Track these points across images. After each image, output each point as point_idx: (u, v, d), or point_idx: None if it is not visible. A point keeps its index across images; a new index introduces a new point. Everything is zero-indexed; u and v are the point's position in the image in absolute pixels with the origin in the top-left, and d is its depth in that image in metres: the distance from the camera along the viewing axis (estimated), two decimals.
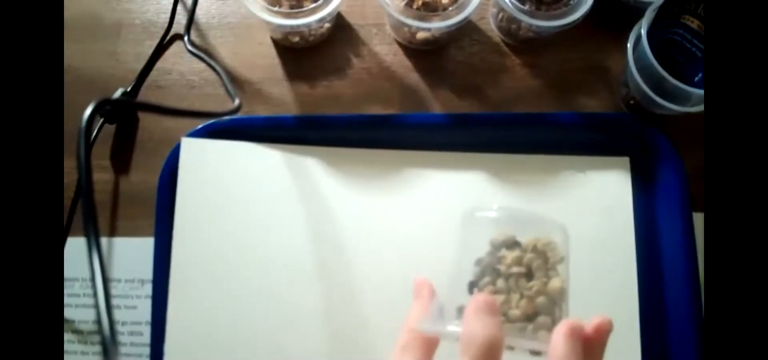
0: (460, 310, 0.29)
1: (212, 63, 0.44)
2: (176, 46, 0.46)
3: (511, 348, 0.27)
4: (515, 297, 0.29)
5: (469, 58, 0.45)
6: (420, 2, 0.41)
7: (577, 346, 0.26)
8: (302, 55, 0.45)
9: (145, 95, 0.44)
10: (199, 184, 0.40)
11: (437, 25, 0.39)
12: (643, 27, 0.37)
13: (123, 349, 0.40)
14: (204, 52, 0.45)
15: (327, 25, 0.43)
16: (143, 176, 0.43)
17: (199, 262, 0.39)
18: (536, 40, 0.45)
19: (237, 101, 0.39)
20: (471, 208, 0.33)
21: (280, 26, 0.40)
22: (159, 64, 0.45)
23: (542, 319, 0.28)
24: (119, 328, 0.40)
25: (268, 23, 0.40)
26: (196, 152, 0.40)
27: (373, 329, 0.38)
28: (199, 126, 0.41)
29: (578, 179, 0.41)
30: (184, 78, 0.45)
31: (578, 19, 0.39)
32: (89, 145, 0.23)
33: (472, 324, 0.26)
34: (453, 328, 0.28)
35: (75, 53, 0.45)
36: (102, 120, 0.43)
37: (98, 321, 0.19)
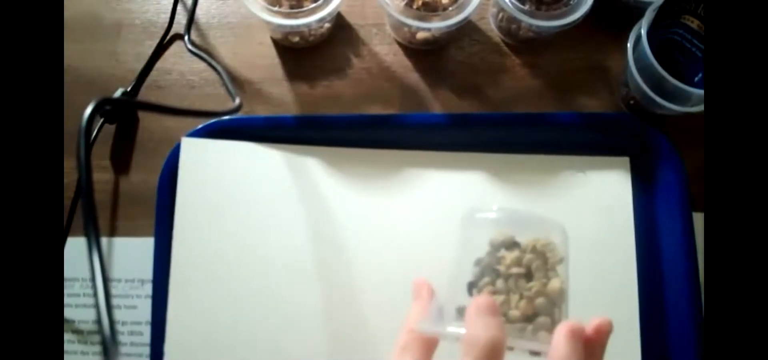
0: (460, 311, 0.29)
1: (212, 63, 0.44)
2: (176, 46, 0.46)
3: (511, 348, 0.27)
4: (515, 298, 0.29)
5: (469, 58, 0.45)
6: (420, 2, 0.41)
7: (578, 347, 0.26)
8: (302, 55, 0.45)
9: (145, 95, 0.44)
10: (199, 184, 0.40)
11: (437, 25, 0.39)
12: (643, 27, 0.37)
13: (123, 349, 0.40)
14: (204, 52, 0.45)
15: (327, 25, 0.43)
16: (143, 176, 0.43)
17: (199, 262, 0.39)
18: (536, 40, 0.45)
19: (237, 100, 0.39)
20: (471, 209, 0.33)
21: (280, 26, 0.40)
22: (159, 64, 0.45)
23: (542, 319, 0.28)
24: (119, 328, 0.40)
25: (268, 23, 0.40)
26: (196, 152, 0.40)
27: (373, 329, 0.38)
28: (199, 126, 0.41)
29: (578, 179, 0.41)
30: (184, 78, 0.45)
31: (578, 19, 0.39)
32: (89, 145, 0.23)
33: (475, 325, 0.26)
34: (453, 329, 0.28)
35: (75, 53, 0.45)
36: (102, 120, 0.43)
37: (98, 321, 0.19)
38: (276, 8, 0.40)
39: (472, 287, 0.30)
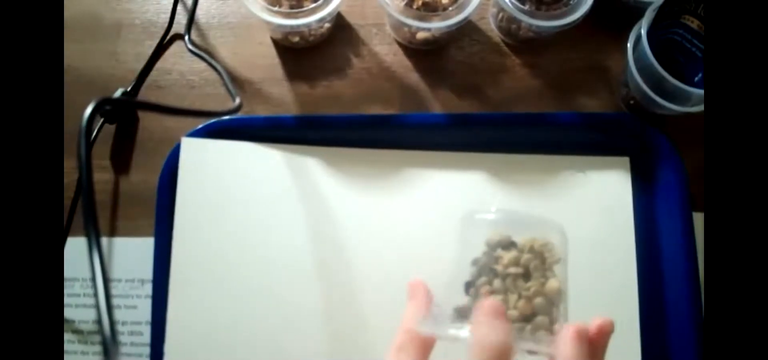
0: (457, 311, 0.29)
1: (212, 63, 0.44)
2: (176, 46, 0.46)
3: None
4: (513, 297, 0.29)
5: (469, 58, 0.45)
6: (420, 2, 0.41)
7: (584, 349, 0.26)
8: (302, 55, 0.45)
9: (145, 95, 0.44)
10: (199, 184, 0.40)
11: (437, 25, 0.39)
12: (643, 27, 0.37)
13: (123, 349, 0.40)
14: (204, 52, 0.45)
15: (327, 25, 0.43)
16: (143, 176, 0.43)
17: (199, 262, 0.39)
18: (536, 40, 0.45)
19: (238, 100, 0.39)
20: (470, 210, 0.33)
21: (280, 26, 0.40)
22: (159, 64, 0.45)
23: (540, 319, 0.28)
24: (119, 328, 0.40)
25: (268, 23, 0.40)
26: (196, 152, 0.40)
27: (373, 329, 0.38)
28: (199, 126, 0.41)
29: (578, 179, 0.41)
30: (184, 78, 0.45)
31: (578, 19, 0.39)
32: (89, 145, 0.23)
33: (482, 328, 0.26)
34: (454, 331, 0.28)
35: (75, 53, 0.45)
36: (102, 120, 0.43)
37: (99, 321, 0.19)
38: (276, 8, 0.40)
39: (469, 287, 0.30)
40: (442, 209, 0.40)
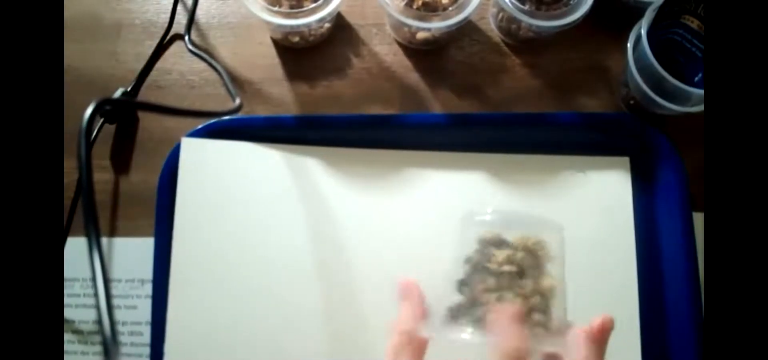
0: (451, 311, 0.29)
1: (212, 63, 0.44)
2: (176, 46, 0.46)
3: None
4: (509, 296, 0.29)
5: (469, 58, 0.45)
6: (420, 2, 0.41)
7: (595, 350, 0.27)
8: (302, 55, 0.45)
9: (145, 95, 0.44)
10: (199, 184, 0.40)
11: (437, 25, 0.39)
12: (643, 27, 0.37)
13: (123, 349, 0.40)
14: (204, 52, 0.45)
15: (327, 25, 0.43)
16: (143, 176, 0.43)
17: (199, 262, 0.39)
18: (536, 40, 0.45)
19: (238, 101, 0.39)
20: (469, 211, 0.33)
21: (280, 26, 0.40)
22: (159, 64, 0.45)
23: (537, 317, 0.28)
24: (119, 328, 0.40)
25: (268, 23, 0.40)
26: (196, 152, 0.40)
27: (373, 329, 0.38)
28: (199, 126, 0.41)
29: (578, 179, 0.41)
30: (184, 78, 0.45)
31: (578, 19, 0.39)
32: (90, 145, 0.23)
33: (501, 333, 0.27)
34: (457, 333, 0.28)
35: (75, 53, 0.45)
36: (102, 120, 0.43)
37: (99, 321, 0.19)
38: (276, 8, 0.40)
39: (462, 285, 0.30)
40: (442, 209, 0.40)
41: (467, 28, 0.45)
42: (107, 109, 0.42)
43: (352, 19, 0.46)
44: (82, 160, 0.22)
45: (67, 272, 0.41)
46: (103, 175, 0.43)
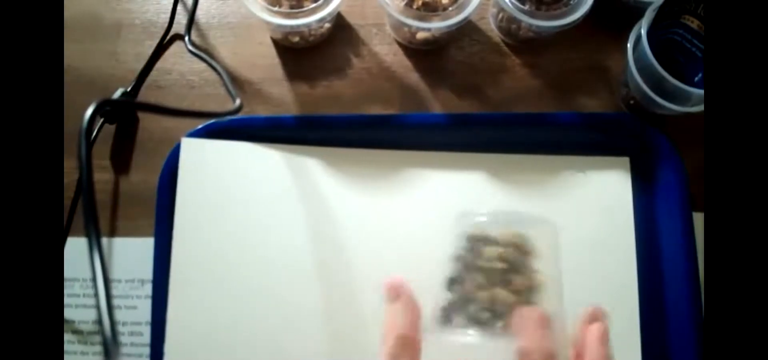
0: (444, 310, 0.29)
1: (213, 63, 0.44)
2: (176, 46, 0.46)
3: None
4: (501, 292, 0.29)
5: (469, 58, 0.45)
6: (420, 2, 0.41)
7: (609, 348, 0.27)
8: (302, 55, 0.45)
9: (145, 95, 0.44)
10: (199, 184, 0.40)
11: (437, 25, 0.39)
12: (643, 27, 0.37)
13: (123, 350, 0.40)
14: (204, 52, 0.45)
15: (327, 25, 0.43)
16: (143, 176, 0.43)
17: (199, 262, 0.39)
18: (536, 40, 0.45)
19: (238, 101, 0.39)
20: (461, 212, 0.32)
21: (280, 26, 0.40)
22: (159, 64, 0.45)
23: None
24: (119, 328, 0.40)
25: (268, 23, 0.40)
26: (196, 152, 0.40)
27: (373, 329, 0.37)
28: (199, 126, 0.41)
29: (578, 179, 0.41)
30: (184, 78, 0.45)
31: (578, 19, 0.39)
32: (90, 146, 0.23)
33: (528, 338, 0.27)
34: (461, 336, 0.28)
35: (75, 53, 0.45)
36: (102, 120, 0.43)
37: (99, 321, 0.19)
38: (276, 8, 0.40)
39: (452, 283, 0.30)
40: (442, 209, 0.39)
41: (467, 28, 0.45)
42: (107, 109, 0.42)
43: (352, 19, 0.46)
44: (83, 160, 0.22)
45: (67, 272, 0.41)
46: (103, 175, 0.43)
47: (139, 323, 0.40)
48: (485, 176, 0.41)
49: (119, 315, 0.41)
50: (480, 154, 0.41)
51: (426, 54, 0.45)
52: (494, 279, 0.29)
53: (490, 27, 0.46)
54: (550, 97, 0.44)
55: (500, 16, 0.44)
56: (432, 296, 0.31)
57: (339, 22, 0.46)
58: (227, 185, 0.40)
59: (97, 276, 0.20)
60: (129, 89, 0.44)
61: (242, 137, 0.41)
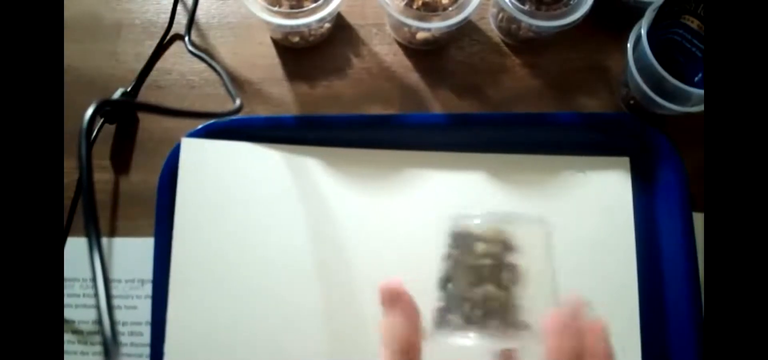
0: (440, 311, 0.29)
1: (213, 63, 0.44)
2: (176, 46, 0.46)
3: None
4: (492, 289, 0.29)
5: (469, 58, 0.45)
6: (420, 2, 0.41)
7: (610, 345, 0.27)
8: (302, 55, 0.45)
9: (145, 95, 0.44)
10: (199, 184, 0.40)
11: (437, 25, 0.39)
12: (643, 27, 0.37)
13: (123, 350, 0.40)
14: (204, 52, 0.45)
15: (327, 25, 0.43)
16: (143, 176, 0.43)
17: (199, 262, 0.39)
18: (536, 40, 0.45)
19: (238, 102, 0.39)
20: (453, 213, 0.32)
21: (280, 26, 0.40)
22: (159, 64, 0.45)
23: (517, 309, 0.28)
24: (119, 328, 0.40)
25: (268, 23, 0.40)
26: (196, 152, 0.40)
27: (373, 329, 0.37)
28: (199, 126, 0.41)
29: (578, 179, 0.41)
30: (184, 78, 0.45)
31: (578, 19, 0.39)
32: (90, 146, 0.23)
33: (557, 338, 0.27)
34: (462, 340, 0.28)
35: (75, 53, 0.45)
36: (102, 120, 0.43)
37: (99, 321, 0.19)
38: (276, 8, 0.40)
39: (446, 283, 0.30)
40: (442, 209, 0.39)
41: (467, 28, 0.45)
42: (107, 109, 0.42)
43: (352, 19, 0.46)
44: (83, 160, 0.22)
45: (67, 272, 0.41)
46: (103, 175, 0.43)
47: (139, 323, 0.40)
48: (485, 176, 0.41)
49: (119, 315, 0.41)
50: (480, 154, 0.41)
51: (426, 54, 0.45)
52: (483, 276, 0.29)
53: (490, 27, 0.46)
54: (550, 97, 0.44)
55: (500, 16, 0.44)
56: (432, 297, 0.31)
57: (339, 22, 0.46)
58: (227, 185, 0.40)
59: (97, 276, 0.20)
60: (129, 89, 0.44)
61: (242, 137, 0.41)
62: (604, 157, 0.41)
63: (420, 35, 0.43)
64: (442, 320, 0.29)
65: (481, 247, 0.29)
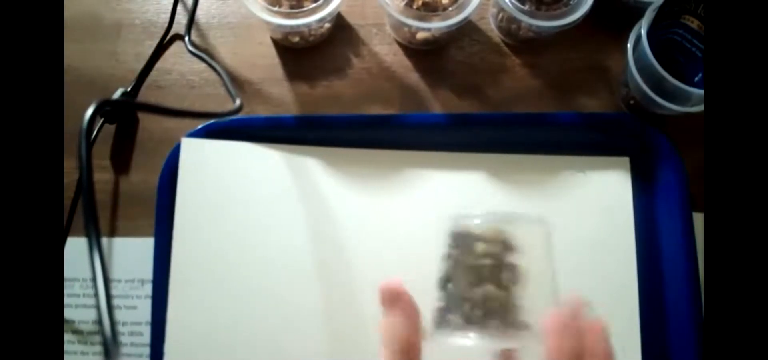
0: (440, 311, 0.29)
1: (213, 63, 0.44)
2: (176, 46, 0.46)
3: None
4: (492, 289, 0.29)
5: (469, 58, 0.45)
6: (420, 2, 0.41)
7: (610, 345, 0.27)
8: (302, 55, 0.45)
9: (145, 95, 0.44)
10: (199, 184, 0.40)
11: (437, 25, 0.39)
12: (643, 27, 0.37)
13: (123, 350, 0.40)
14: (204, 52, 0.45)
15: (327, 25, 0.43)
16: (143, 176, 0.43)
17: (199, 262, 0.39)
18: (536, 40, 0.45)
19: (238, 102, 0.39)
20: (452, 213, 0.32)
21: (280, 26, 0.40)
22: (159, 64, 0.45)
23: (516, 309, 0.28)
24: (119, 328, 0.40)
25: (268, 23, 0.40)
26: (196, 152, 0.40)
27: (373, 329, 0.37)
28: (199, 126, 0.41)
29: (578, 179, 0.41)
30: (184, 78, 0.45)
31: (578, 19, 0.39)
32: (90, 146, 0.23)
33: (558, 338, 0.27)
34: (461, 340, 0.28)
35: (75, 53, 0.45)
36: (102, 120, 0.43)
37: (99, 321, 0.19)
38: (276, 8, 0.40)
39: (446, 283, 0.30)
40: (441, 209, 0.39)
41: (467, 28, 0.45)
42: (107, 109, 0.42)
43: (352, 19, 0.46)
44: (83, 160, 0.22)
45: (67, 272, 0.41)
46: (103, 175, 0.43)
47: (139, 323, 0.40)
48: (485, 176, 0.41)
49: (119, 315, 0.41)
50: (480, 154, 0.41)
51: (426, 54, 0.45)
52: (483, 276, 0.29)
53: (490, 27, 0.46)
54: (550, 97, 0.44)
55: (500, 16, 0.44)
56: (432, 297, 0.31)
57: (339, 22, 0.46)
58: (227, 185, 0.40)
59: (97, 276, 0.20)
60: (129, 89, 0.44)
61: (242, 137, 0.41)
62: (604, 157, 0.41)
63: (420, 35, 0.43)
64: (442, 320, 0.29)
65: (481, 247, 0.29)
